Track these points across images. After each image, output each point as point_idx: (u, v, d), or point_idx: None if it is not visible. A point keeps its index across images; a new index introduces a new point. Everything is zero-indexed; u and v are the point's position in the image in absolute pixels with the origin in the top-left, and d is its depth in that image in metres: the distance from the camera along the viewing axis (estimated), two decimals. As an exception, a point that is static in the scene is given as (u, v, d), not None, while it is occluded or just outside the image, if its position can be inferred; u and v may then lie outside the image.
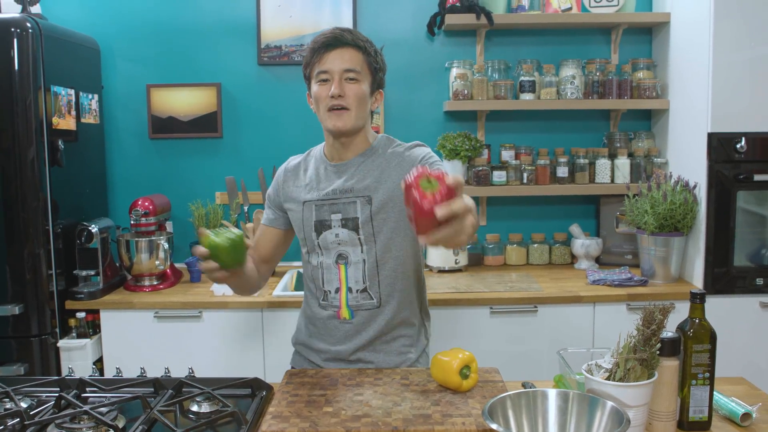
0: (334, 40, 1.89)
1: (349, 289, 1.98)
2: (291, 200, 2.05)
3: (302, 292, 2.17)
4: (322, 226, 1.97)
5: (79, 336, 3.01)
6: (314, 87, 1.93)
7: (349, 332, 2.00)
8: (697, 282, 3.11)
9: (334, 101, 1.88)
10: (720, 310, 2.98)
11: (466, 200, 1.36)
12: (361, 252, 1.96)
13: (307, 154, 2.12)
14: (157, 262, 3.19)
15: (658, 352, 1.50)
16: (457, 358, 1.70)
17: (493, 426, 1.32)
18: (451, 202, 1.29)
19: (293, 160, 2.13)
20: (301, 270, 3.13)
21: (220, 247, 1.70)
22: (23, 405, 1.69)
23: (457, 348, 1.76)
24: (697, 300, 1.58)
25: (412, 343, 2.06)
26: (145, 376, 1.87)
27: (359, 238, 1.96)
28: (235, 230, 1.73)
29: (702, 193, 3.07)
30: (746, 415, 1.60)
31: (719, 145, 3.01)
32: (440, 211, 1.28)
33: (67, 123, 3.11)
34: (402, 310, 2.02)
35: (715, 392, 1.64)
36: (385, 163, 1.97)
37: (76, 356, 2.96)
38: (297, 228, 2.05)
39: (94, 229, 3.08)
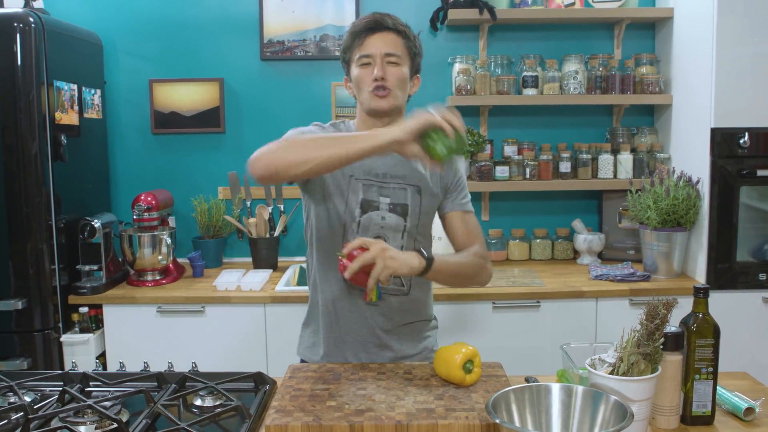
0: (375, 24, 1.90)
1: None
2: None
3: (305, 288, 2.14)
4: (369, 206, 1.95)
5: (82, 331, 3.02)
6: (355, 70, 1.93)
7: (375, 316, 2.00)
8: (700, 277, 3.11)
9: (378, 83, 1.89)
10: (722, 305, 2.97)
11: (368, 254, 1.69)
12: (402, 238, 1.97)
13: (336, 126, 2.04)
14: (159, 257, 3.19)
15: (661, 347, 1.50)
16: (460, 352, 1.70)
17: (497, 420, 1.32)
18: (351, 265, 1.69)
19: (333, 127, 2.03)
20: (303, 265, 3.13)
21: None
22: (27, 399, 1.69)
23: (460, 342, 1.76)
24: (700, 295, 1.58)
25: (430, 328, 2.14)
26: (149, 371, 1.87)
27: (405, 225, 1.97)
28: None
29: (705, 189, 3.06)
30: (749, 410, 1.60)
31: (722, 140, 3.00)
32: (347, 274, 1.71)
33: (69, 118, 3.11)
34: (425, 298, 2.09)
35: (718, 387, 1.64)
36: None
37: (79, 351, 2.97)
38: (336, 198, 1.94)
39: (96, 224, 3.09)
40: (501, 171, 3.44)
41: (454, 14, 3.39)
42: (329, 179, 1.96)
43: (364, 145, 1.63)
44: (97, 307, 3.06)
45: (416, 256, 1.79)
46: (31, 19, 2.85)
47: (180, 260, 3.46)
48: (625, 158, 3.44)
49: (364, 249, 1.71)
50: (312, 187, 1.98)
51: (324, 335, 2.05)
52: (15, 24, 2.83)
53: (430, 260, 1.80)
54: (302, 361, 2.15)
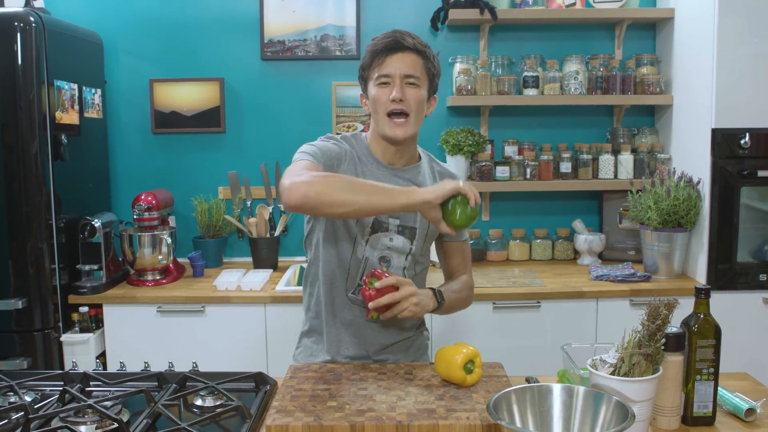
0: (396, 44, 1.86)
1: None
2: None
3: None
4: (379, 227, 1.94)
5: (82, 330, 3.01)
6: (372, 90, 1.89)
7: (374, 331, 2.00)
8: (700, 278, 3.11)
9: (395, 105, 1.85)
10: (723, 306, 2.96)
11: (399, 293, 1.79)
12: (406, 260, 1.98)
13: (350, 142, 1.98)
14: (159, 257, 3.19)
15: (662, 347, 1.50)
16: (461, 352, 1.70)
17: (498, 421, 1.31)
18: (379, 300, 1.77)
19: (344, 142, 1.96)
20: (304, 265, 3.13)
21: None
22: (27, 399, 1.69)
23: (461, 343, 1.76)
24: (702, 295, 1.58)
25: (424, 340, 2.17)
26: (149, 371, 1.87)
27: (411, 248, 1.98)
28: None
29: (705, 189, 3.06)
30: (750, 411, 1.60)
31: (723, 141, 3.00)
32: (371, 306, 1.80)
33: (70, 117, 3.11)
34: (422, 316, 2.11)
35: (719, 387, 1.64)
36: (436, 181, 2.00)
37: (79, 350, 2.97)
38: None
39: (97, 223, 3.09)
40: (501, 171, 3.43)
41: (454, 14, 3.38)
42: None
43: (403, 201, 1.69)
44: (97, 307, 3.06)
45: (432, 298, 1.89)
46: (32, 19, 2.85)
47: (180, 260, 3.46)
48: (626, 159, 3.44)
49: (394, 287, 1.80)
50: None
51: (327, 347, 2.02)
52: (16, 23, 2.82)
53: (442, 304, 1.92)
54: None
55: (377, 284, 1.78)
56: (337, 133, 2.08)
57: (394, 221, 1.95)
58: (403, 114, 1.87)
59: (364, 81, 1.95)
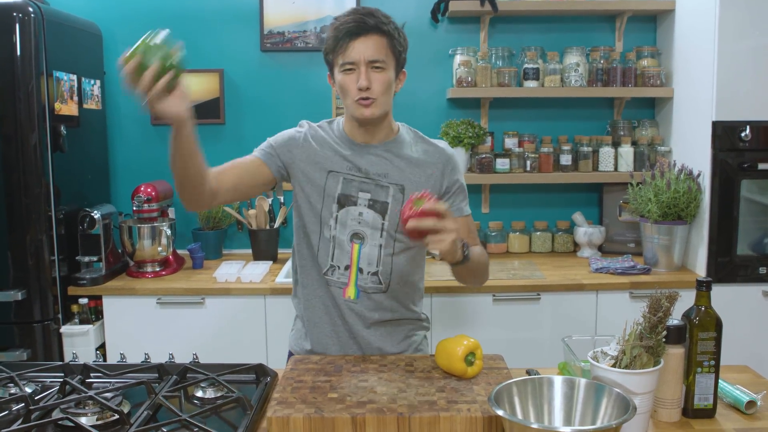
0: (357, 28, 1.83)
1: (360, 270, 1.96)
2: (312, 164, 1.95)
3: None
4: (346, 200, 1.93)
5: (82, 322, 3.01)
6: (339, 75, 1.88)
7: (354, 310, 1.99)
8: (700, 271, 3.11)
9: (362, 92, 1.85)
10: (722, 299, 2.94)
11: (441, 223, 1.67)
12: (380, 236, 1.95)
13: (330, 123, 2.05)
14: (159, 249, 3.19)
15: (664, 340, 1.50)
16: (462, 344, 1.70)
17: (500, 412, 1.31)
18: (421, 220, 1.66)
19: (316, 124, 2.04)
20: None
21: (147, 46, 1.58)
22: (28, 390, 1.68)
23: (462, 335, 1.76)
24: (703, 288, 1.58)
25: (416, 328, 2.10)
26: (150, 362, 1.87)
27: (383, 223, 1.94)
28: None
29: (706, 182, 3.06)
30: (751, 403, 1.61)
31: (723, 133, 3.00)
32: (410, 224, 1.67)
33: (69, 109, 3.10)
34: (408, 297, 2.04)
35: (720, 380, 1.64)
36: (418, 157, 1.98)
37: (78, 342, 2.97)
38: (313, 195, 1.95)
39: (96, 215, 3.08)
40: (501, 163, 3.43)
41: (455, 6, 3.38)
42: (305, 177, 1.96)
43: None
44: (97, 299, 3.06)
45: (460, 249, 1.80)
46: (31, 9, 2.84)
47: (180, 252, 3.46)
48: (626, 151, 3.44)
49: (426, 212, 1.67)
50: (293, 182, 2.00)
51: (308, 330, 2.05)
52: (14, 14, 2.81)
53: (467, 256, 1.82)
54: (290, 352, 2.16)
55: (425, 205, 1.66)
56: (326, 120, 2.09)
57: (364, 195, 1.94)
58: (371, 99, 1.87)
59: (329, 64, 1.93)
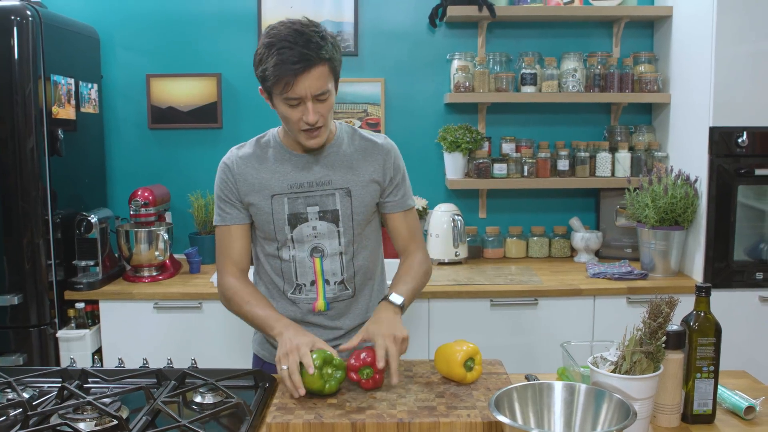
0: (302, 65, 1.72)
1: (326, 282, 1.95)
2: (253, 193, 1.92)
3: None
4: (297, 219, 1.92)
5: (78, 326, 3.00)
6: (281, 105, 1.80)
7: (324, 323, 1.99)
8: (697, 276, 3.11)
9: (310, 126, 1.81)
10: (719, 304, 2.94)
11: (384, 354, 1.69)
12: (339, 244, 1.95)
13: (258, 141, 2.00)
14: (156, 253, 3.18)
15: (663, 345, 1.50)
16: (461, 350, 1.70)
17: (501, 418, 1.31)
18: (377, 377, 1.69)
19: (243, 149, 1.98)
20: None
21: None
22: (25, 395, 1.68)
23: (461, 340, 1.76)
24: (702, 293, 1.58)
25: None
26: (148, 367, 1.86)
27: (338, 231, 1.94)
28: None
29: (703, 187, 3.06)
30: (750, 409, 1.61)
31: (720, 139, 3.01)
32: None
33: (66, 112, 3.10)
34: (374, 297, 2.05)
35: (718, 385, 1.64)
36: (358, 155, 1.97)
37: (75, 347, 2.95)
38: (263, 222, 1.93)
39: (93, 219, 3.07)
40: (499, 168, 3.43)
41: (453, 11, 3.38)
42: (252, 207, 1.94)
43: (268, 333, 1.86)
44: (94, 303, 3.05)
45: (392, 310, 1.84)
46: (29, 13, 2.83)
47: (177, 256, 3.45)
48: (623, 156, 3.44)
49: (371, 350, 1.70)
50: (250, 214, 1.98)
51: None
52: (12, 17, 2.80)
53: (402, 308, 1.88)
54: (255, 355, 2.15)
55: (369, 371, 1.68)
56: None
57: (313, 208, 1.92)
58: (317, 128, 1.83)
59: (267, 91, 1.83)
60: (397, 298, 1.87)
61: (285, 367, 1.64)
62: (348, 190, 1.93)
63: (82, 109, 3.26)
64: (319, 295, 1.96)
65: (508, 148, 3.52)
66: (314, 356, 1.63)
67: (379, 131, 3.41)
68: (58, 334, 2.97)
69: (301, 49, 1.72)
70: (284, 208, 1.91)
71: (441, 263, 3.40)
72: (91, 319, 3.06)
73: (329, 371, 1.62)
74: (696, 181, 3.10)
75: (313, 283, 1.96)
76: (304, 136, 1.84)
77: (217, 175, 1.98)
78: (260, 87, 1.85)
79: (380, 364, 1.66)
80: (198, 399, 1.66)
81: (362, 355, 1.68)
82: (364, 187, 1.95)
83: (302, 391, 1.59)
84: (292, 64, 1.72)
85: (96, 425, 1.50)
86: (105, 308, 3.03)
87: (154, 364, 1.90)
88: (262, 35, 1.82)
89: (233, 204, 1.95)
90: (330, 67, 1.78)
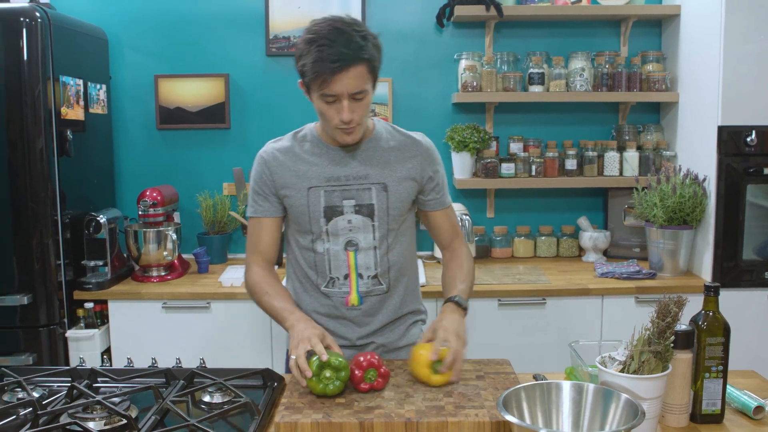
0: (340, 63, 1.73)
1: (360, 276, 1.96)
2: (289, 186, 1.94)
3: None
4: (332, 212, 1.94)
5: (87, 326, 3.02)
6: (317, 102, 1.83)
7: (357, 318, 2.00)
8: (706, 275, 3.10)
9: (345, 124, 1.82)
10: (728, 303, 2.93)
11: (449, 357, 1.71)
12: (373, 239, 1.95)
13: (295, 136, 2.02)
14: (164, 253, 3.19)
15: (672, 345, 1.49)
16: (430, 350, 1.69)
17: (509, 417, 1.31)
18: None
19: (279, 143, 2.01)
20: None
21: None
22: (35, 395, 1.69)
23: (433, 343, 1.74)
24: (711, 293, 1.58)
25: (420, 321, 2.14)
26: (157, 367, 1.87)
27: (373, 225, 1.95)
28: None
29: (711, 187, 3.06)
30: (759, 408, 1.60)
31: (729, 138, 3.00)
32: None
33: (75, 113, 3.11)
34: (408, 293, 2.06)
35: (727, 385, 1.64)
36: (397, 152, 1.97)
37: (84, 347, 2.97)
38: (298, 214, 1.96)
39: (102, 219, 3.09)
40: (507, 168, 3.43)
41: (460, 11, 3.38)
42: (287, 199, 1.96)
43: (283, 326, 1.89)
44: (103, 303, 3.06)
45: (457, 311, 1.89)
46: (38, 14, 2.85)
47: (185, 256, 3.46)
48: (631, 156, 3.43)
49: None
50: (283, 207, 2.01)
51: None
52: (21, 19, 2.82)
53: (466, 308, 1.92)
54: (288, 352, 2.16)
55: (374, 373, 1.67)
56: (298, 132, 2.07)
57: (349, 202, 1.93)
58: (353, 125, 1.85)
59: (306, 85, 1.84)
60: (463, 301, 1.91)
61: (293, 357, 1.67)
62: (384, 185, 1.94)
63: (91, 110, 3.27)
64: (352, 289, 1.97)
65: (515, 147, 3.52)
66: (313, 359, 1.64)
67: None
68: (67, 334, 2.98)
69: (340, 48, 1.73)
70: (320, 200, 1.93)
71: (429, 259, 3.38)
72: (100, 318, 3.07)
73: (327, 374, 1.62)
74: (704, 180, 3.09)
75: (346, 276, 1.97)
76: (339, 132, 1.86)
77: (253, 168, 2.01)
78: (300, 80, 1.87)
79: (448, 359, 1.69)
80: (206, 398, 1.67)
81: (366, 358, 1.68)
82: (401, 183, 1.96)
83: (308, 374, 1.61)
84: (331, 62, 1.73)
85: (105, 424, 1.51)
86: (114, 308, 3.05)
87: (162, 364, 1.91)
88: (305, 29, 1.84)
89: (267, 197, 1.98)
90: (369, 67, 1.80)
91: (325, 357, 1.63)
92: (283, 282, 2.13)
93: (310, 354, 1.66)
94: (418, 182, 1.99)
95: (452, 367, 1.69)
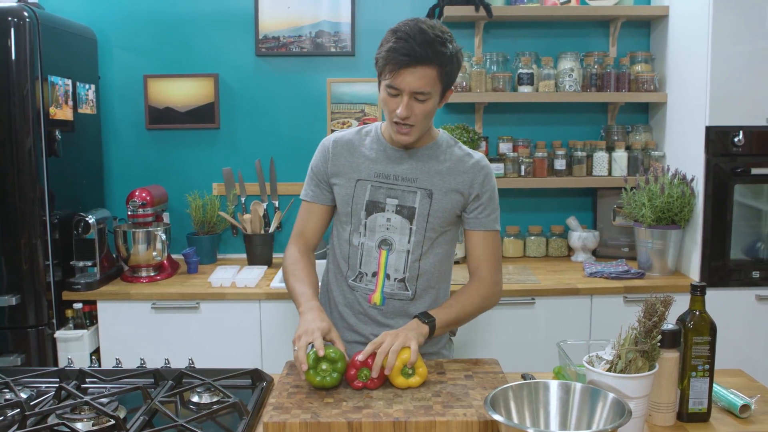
0: (408, 58, 1.76)
1: (387, 276, 1.97)
2: (341, 175, 1.99)
3: None
4: (374, 208, 1.96)
5: (76, 327, 3.01)
6: (382, 92, 1.86)
7: (378, 318, 2.00)
8: (694, 275, 3.12)
9: (401, 120, 1.84)
10: (716, 303, 2.96)
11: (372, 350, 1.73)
12: (408, 242, 1.96)
13: (360, 131, 2.05)
14: (154, 253, 3.18)
15: (658, 344, 1.50)
16: (400, 358, 1.69)
17: (496, 416, 1.32)
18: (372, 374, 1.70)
19: (342, 134, 2.05)
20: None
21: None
22: (23, 396, 1.68)
23: (404, 348, 1.73)
24: (697, 292, 1.59)
25: (440, 339, 2.10)
26: (145, 367, 1.87)
27: (411, 228, 1.96)
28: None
29: (699, 187, 3.07)
30: (745, 407, 1.61)
31: (717, 138, 3.01)
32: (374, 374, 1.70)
33: (64, 113, 3.10)
34: (433, 305, 2.03)
35: (714, 384, 1.65)
36: (451, 164, 1.98)
37: (73, 347, 2.96)
38: (342, 204, 1.99)
39: (91, 219, 3.07)
40: (496, 168, 3.43)
41: (450, 11, 3.38)
42: (336, 187, 2.01)
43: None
44: (91, 303, 3.05)
45: (416, 323, 1.86)
46: (26, 14, 2.84)
47: (174, 256, 3.45)
48: (620, 156, 3.45)
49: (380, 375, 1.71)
50: (333, 196, 2.05)
51: None
52: (9, 18, 2.81)
53: (431, 326, 1.87)
54: None
55: (372, 373, 1.68)
56: (362, 123, 2.09)
57: (392, 201, 1.96)
58: (409, 126, 1.87)
59: (377, 66, 1.88)
60: (426, 317, 1.87)
61: (296, 348, 1.69)
62: (430, 192, 1.95)
63: (80, 110, 3.26)
64: (378, 288, 1.99)
65: (505, 147, 3.53)
66: (309, 352, 1.67)
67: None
68: (56, 335, 2.97)
69: (415, 45, 1.77)
70: (365, 194, 1.96)
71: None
72: (88, 319, 3.06)
73: (324, 367, 1.65)
74: (692, 180, 3.10)
75: (374, 274, 1.99)
76: (395, 128, 1.89)
77: (315, 154, 2.07)
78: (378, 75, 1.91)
79: (360, 357, 1.70)
80: (195, 399, 1.67)
81: (359, 357, 1.70)
82: (447, 194, 1.96)
83: (305, 367, 1.64)
84: (402, 55, 1.77)
85: (93, 425, 1.51)
86: (103, 308, 3.04)
87: (151, 364, 1.90)
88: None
89: (319, 184, 2.05)
90: (439, 72, 1.81)
91: (321, 353, 1.65)
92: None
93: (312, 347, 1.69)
94: (464, 197, 1.98)
95: (413, 366, 1.70)
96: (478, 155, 2.04)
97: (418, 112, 1.84)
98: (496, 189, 2.03)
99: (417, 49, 1.76)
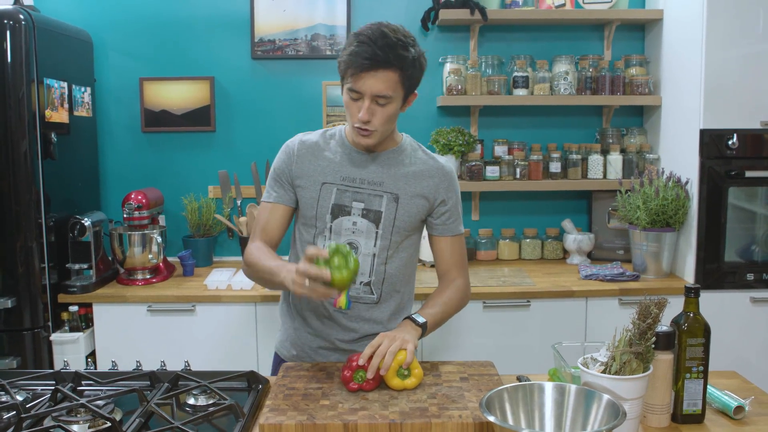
0: (370, 63, 1.76)
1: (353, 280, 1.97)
2: (305, 177, 1.97)
3: None
4: (340, 211, 1.95)
5: (72, 329, 3.00)
6: (345, 95, 1.86)
7: (343, 322, 2.00)
8: (689, 277, 3.13)
9: (362, 123, 1.84)
10: (711, 305, 2.98)
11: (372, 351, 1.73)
12: (374, 246, 1.96)
13: (324, 133, 2.04)
14: (150, 256, 3.18)
15: (653, 346, 1.51)
16: (396, 359, 1.70)
17: (491, 418, 1.32)
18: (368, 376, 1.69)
19: (308, 136, 2.04)
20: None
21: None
22: (19, 398, 1.68)
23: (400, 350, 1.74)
24: (691, 294, 1.59)
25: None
26: (141, 370, 1.87)
27: (377, 232, 1.96)
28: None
29: (694, 189, 3.09)
30: (739, 408, 1.62)
31: (711, 141, 3.03)
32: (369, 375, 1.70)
33: (60, 116, 3.10)
34: (399, 311, 2.05)
35: (708, 386, 1.66)
36: (416, 168, 1.99)
37: (68, 350, 2.96)
38: (307, 207, 1.98)
39: (86, 222, 3.08)
40: (491, 171, 3.45)
41: (445, 14, 3.39)
42: (300, 190, 1.98)
43: (277, 280, 1.79)
44: (87, 306, 3.05)
45: (411, 325, 1.86)
46: (22, 16, 2.84)
47: (170, 259, 3.45)
48: (615, 159, 3.46)
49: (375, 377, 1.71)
50: (296, 197, 2.02)
51: (293, 337, 2.08)
52: (5, 21, 2.81)
53: (424, 328, 1.88)
54: (276, 354, 2.17)
55: (368, 374, 1.68)
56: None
57: (358, 204, 1.95)
58: (369, 130, 1.87)
59: (339, 69, 1.87)
60: (419, 318, 1.89)
61: (307, 283, 1.64)
62: (396, 196, 1.96)
63: (76, 113, 3.26)
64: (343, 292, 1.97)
65: (500, 150, 3.54)
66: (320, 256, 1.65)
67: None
68: (51, 337, 2.97)
69: (376, 48, 1.77)
70: (331, 197, 1.95)
71: (433, 265, 3.39)
72: (84, 322, 3.06)
73: (336, 262, 1.63)
74: (687, 183, 3.12)
75: None
76: (356, 131, 1.88)
77: (278, 155, 2.04)
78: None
79: (361, 361, 1.69)
80: (191, 401, 1.67)
81: (360, 361, 1.70)
82: (412, 199, 1.97)
83: (325, 253, 1.63)
84: (363, 59, 1.77)
85: (89, 427, 1.51)
86: (98, 311, 3.04)
87: (147, 367, 1.91)
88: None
89: (282, 185, 2.01)
90: (401, 76, 1.81)
91: (326, 252, 1.64)
92: None
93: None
94: (430, 202, 1.99)
95: (409, 367, 1.70)
96: (443, 159, 2.05)
97: (379, 116, 1.84)
98: (459, 192, 2.06)
99: (378, 52, 1.76)
